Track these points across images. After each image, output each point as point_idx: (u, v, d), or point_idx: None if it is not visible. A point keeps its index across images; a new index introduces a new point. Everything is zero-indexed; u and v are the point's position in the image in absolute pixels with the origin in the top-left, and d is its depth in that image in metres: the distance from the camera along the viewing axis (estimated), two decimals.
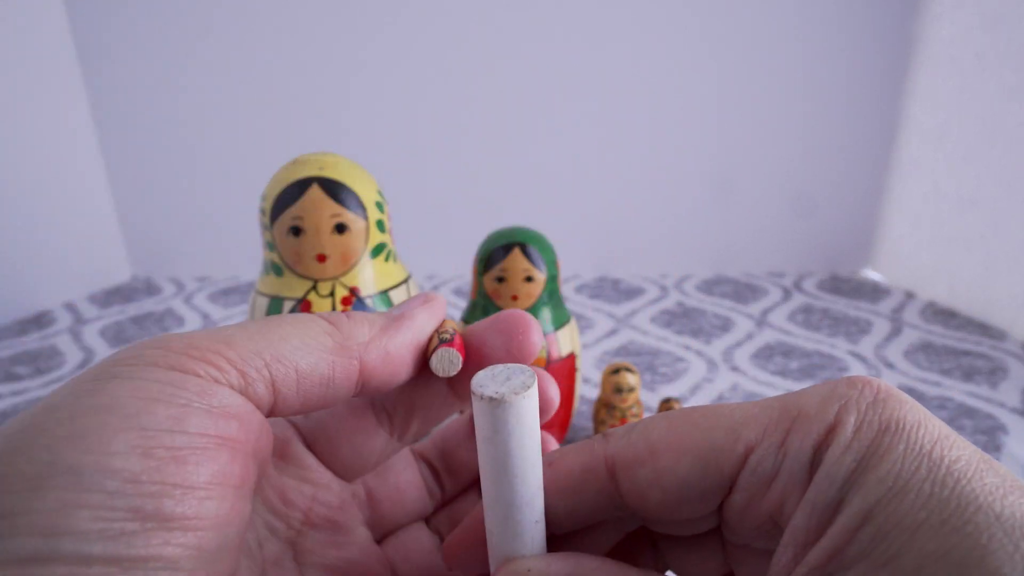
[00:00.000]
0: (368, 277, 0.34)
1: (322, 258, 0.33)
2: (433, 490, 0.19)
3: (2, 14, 0.65)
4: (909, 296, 0.77)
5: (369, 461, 0.18)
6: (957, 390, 0.54)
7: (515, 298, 0.39)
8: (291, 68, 0.76)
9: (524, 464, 0.13)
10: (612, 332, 0.66)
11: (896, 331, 0.66)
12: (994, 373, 0.57)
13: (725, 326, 0.68)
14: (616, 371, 0.42)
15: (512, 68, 0.77)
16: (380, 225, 0.35)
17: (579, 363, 0.42)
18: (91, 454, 0.11)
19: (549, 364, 0.39)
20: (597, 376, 0.56)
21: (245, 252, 0.72)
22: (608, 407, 0.43)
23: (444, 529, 0.19)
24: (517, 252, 0.38)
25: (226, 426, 0.12)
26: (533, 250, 0.39)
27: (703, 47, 0.76)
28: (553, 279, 0.40)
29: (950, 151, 0.72)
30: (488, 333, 0.17)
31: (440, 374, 0.16)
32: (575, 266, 0.84)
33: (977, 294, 0.69)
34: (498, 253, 0.39)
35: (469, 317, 0.41)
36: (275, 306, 0.34)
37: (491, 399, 0.13)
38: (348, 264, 0.34)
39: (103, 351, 0.63)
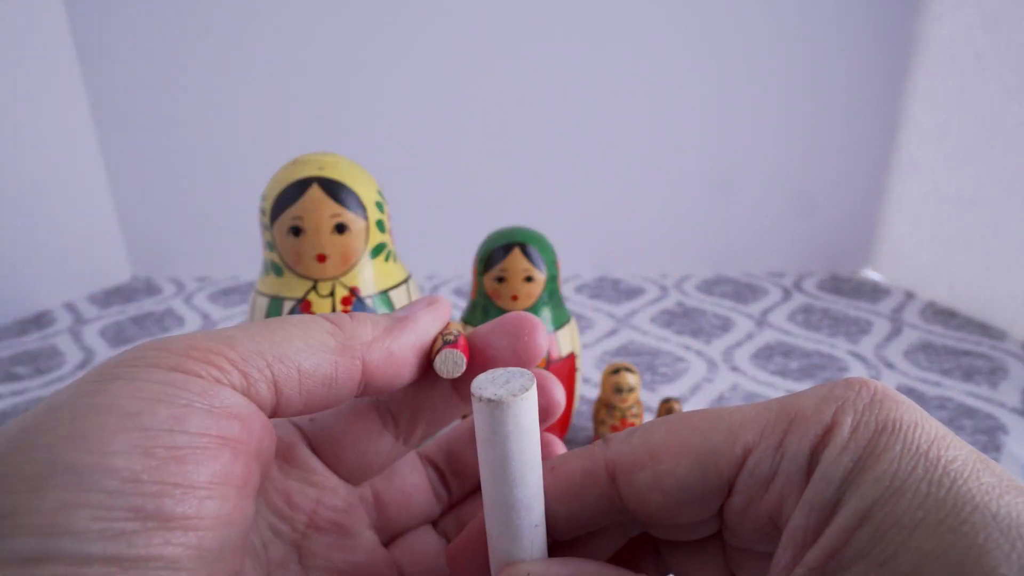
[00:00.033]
0: (368, 277, 0.34)
1: (322, 258, 0.33)
2: (440, 493, 0.19)
3: (2, 14, 0.65)
4: (909, 296, 0.77)
5: (375, 465, 0.18)
6: (957, 390, 0.54)
7: (515, 298, 0.39)
8: (291, 68, 0.76)
9: (523, 467, 0.13)
10: (612, 332, 0.66)
11: (896, 331, 0.66)
12: (994, 373, 0.57)
13: (725, 326, 0.68)
14: (616, 371, 0.42)
15: (512, 68, 0.77)
16: (380, 225, 0.35)
17: (579, 363, 0.42)
18: (91, 454, 0.11)
19: (549, 364, 0.39)
20: (597, 376, 0.56)
21: (245, 252, 0.72)
22: (608, 407, 0.43)
23: (451, 532, 0.19)
24: (517, 252, 0.38)
25: (228, 426, 0.12)
26: (533, 250, 0.39)
27: (703, 47, 0.76)
28: (553, 279, 0.40)
29: (950, 151, 0.72)
30: (493, 335, 0.17)
31: (444, 375, 0.16)
32: (575, 266, 0.84)
33: (977, 294, 0.69)
34: (498, 253, 0.39)
35: (469, 317, 0.41)
36: (275, 306, 0.34)
37: (489, 400, 0.13)
38: (348, 264, 0.34)
39: (103, 351, 0.63)
